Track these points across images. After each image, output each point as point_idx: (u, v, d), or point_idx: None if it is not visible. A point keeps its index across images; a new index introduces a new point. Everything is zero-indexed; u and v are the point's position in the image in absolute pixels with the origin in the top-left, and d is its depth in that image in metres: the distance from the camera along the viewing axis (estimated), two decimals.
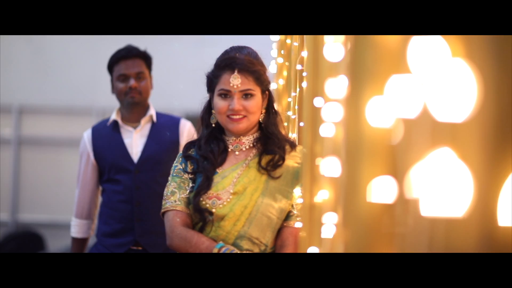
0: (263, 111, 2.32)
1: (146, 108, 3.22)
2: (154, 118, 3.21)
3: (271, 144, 2.28)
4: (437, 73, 0.73)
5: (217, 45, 6.41)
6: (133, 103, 3.17)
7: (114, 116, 3.22)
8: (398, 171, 0.84)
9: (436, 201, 0.73)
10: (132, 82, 3.15)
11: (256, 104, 2.27)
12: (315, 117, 1.70)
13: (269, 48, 4.20)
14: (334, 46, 1.26)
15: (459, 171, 0.72)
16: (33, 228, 6.34)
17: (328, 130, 1.46)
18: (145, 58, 3.23)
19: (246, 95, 2.26)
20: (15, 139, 6.76)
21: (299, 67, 2.25)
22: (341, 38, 1.24)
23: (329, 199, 1.57)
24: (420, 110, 0.75)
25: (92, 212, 3.30)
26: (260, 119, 2.32)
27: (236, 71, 2.26)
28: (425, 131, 0.73)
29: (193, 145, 2.36)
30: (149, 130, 3.20)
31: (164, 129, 3.19)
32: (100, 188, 3.31)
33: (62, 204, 6.63)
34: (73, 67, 6.74)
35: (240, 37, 6.18)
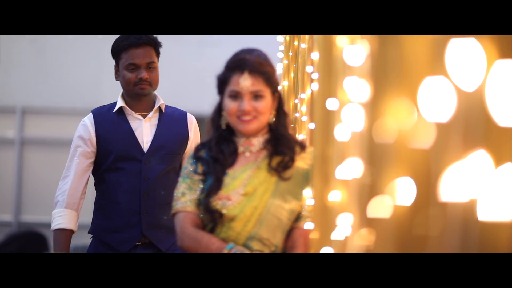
0: (273, 112, 2.33)
1: (153, 98, 3.08)
2: (163, 109, 3.08)
3: (281, 145, 2.29)
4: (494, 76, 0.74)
5: (218, 45, 6.42)
6: (142, 95, 3.02)
7: (120, 102, 3.04)
8: (431, 174, 0.85)
9: (487, 205, 0.74)
10: (143, 73, 2.98)
11: (266, 105, 2.28)
12: (327, 119, 1.71)
13: (275, 49, 4.21)
14: (354, 48, 1.26)
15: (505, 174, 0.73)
16: (36, 227, 6.34)
17: (344, 132, 1.46)
18: (155, 46, 3.06)
19: (256, 96, 2.27)
20: (18, 140, 6.77)
21: (309, 68, 2.26)
22: (361, 40, 1.25)
23: (343, 200, 1.58)
24: (452, 113, 0.76)
25: (81, 205, 3.06)
26: (270, 121, 2.33)
27: (246, 72, 2.27)
28: (458, 134, 0.74)
29: (203, 146, 2.37)
30: (157, 120, 3.05)
31: (173, 120, 3.06)
32: (94, 179, 3.10)
33: None
34: (76, 68, 6.74)
35: (243, 38, 6.20)
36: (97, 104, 6.50)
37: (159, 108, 3.05)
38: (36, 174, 6.76)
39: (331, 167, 1.67)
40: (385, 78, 1.06)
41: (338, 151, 1.55)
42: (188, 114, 3.12)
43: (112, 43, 3.07)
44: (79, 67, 6.75)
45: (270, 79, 2.29)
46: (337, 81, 1.61)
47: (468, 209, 0.76)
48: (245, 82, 2.26)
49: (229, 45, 6.61)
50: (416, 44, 0.96)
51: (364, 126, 1.18)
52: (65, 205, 3.00)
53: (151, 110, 3.04)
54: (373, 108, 1.12)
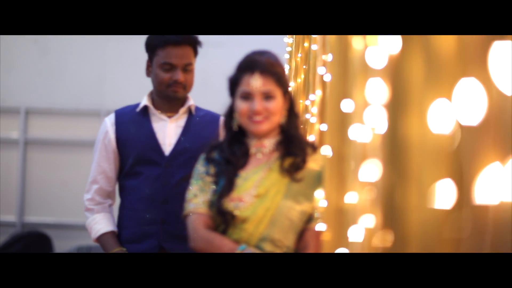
0: (284, 113, 2.33)
1: (184, 99, 2.82)
2: (193, 110, 2.81)
3: (292, 146, 2.30)
4: None
5: (221, 46, 6.41)
6: (175, 98, 2.76)
7: (145, 101, 2.78)
8: (463, 177, 0.85)
9: None
10: (179, 75, 2.70)
11: (277, 106, 2.29)
12: (342, 120, 1.70)
13: (281, 50, 4.20)
14: (375, 49, 1.26)
15: None
16: (40, 228, 6.35)
17: (363, 133, 1.46)
18: (195, 46, 2.77)
19: (267, 96, 2.28)
20: (22, 141, 6.77)
21: (322, 70, 2.26)
22: (381, 40, 1.24)
23: (360, 202, 1.58)
24: (484, 116, 0.76)
25: (113, 202, 2.86)
26: (281, 122, 2.33)
27: (256, 73, 2.28)
28: (490, 137, 0.74)
29: (215, 148, 2.37)
30: (185, 121, 2.79)
31: (203, 123, 2.80)
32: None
33: (69, 206, 6.63)
34: (79, 69, 6.74)
35: (247, 39, 6.16)
36: (101, 105, 6.55)
37: (189, 109, 2.81)
38: (40, 175, 6.76)
39: (347, 168, 1.67)
40: (412, 79, 1.06)
41: (356, 152, 1.54)
42: (221, 117, 2.71)
43: (147, 37, 2.80)
44: (83, 68, 6.75)
45: (281, 80, 2.30)
46: (354, 82, 1.61)
47: (499, 212, 0.77)
48: (255, 82, 2.27)
49: (232, 46, 6.64)
50: (445, 45, 0.96)
51: (386, 128, 1.18)
52: (96, 211, 2.80)
53: (179, 111, 2.80)
54: (398, 109, 1.11)
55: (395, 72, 1.14)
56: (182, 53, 2.70)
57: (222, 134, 2.64)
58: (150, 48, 2.74)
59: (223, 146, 2.34)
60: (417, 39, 1.02)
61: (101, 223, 2.78)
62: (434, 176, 0.92)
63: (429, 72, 0.96)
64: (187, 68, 2.73)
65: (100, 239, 2.77)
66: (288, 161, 2.29)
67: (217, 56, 6.45)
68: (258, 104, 2.27)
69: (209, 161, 2.35)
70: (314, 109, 2.59)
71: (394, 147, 1.12)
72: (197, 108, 2.83)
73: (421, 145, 0.98)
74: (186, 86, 2.75)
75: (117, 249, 2.74)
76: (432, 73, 0.95)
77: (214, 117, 2.82)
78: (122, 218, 2.81)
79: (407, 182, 1.06)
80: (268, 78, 2.28)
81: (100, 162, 2.79)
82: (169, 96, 2.74)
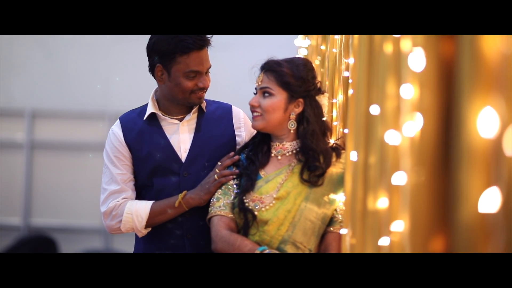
0: (292, 117, 2.33)
1: None
2: (204, 107, 2.55)
3: (310, 159, 2.30)
4: None
5: (229, 49, 6.42)
6: (198, 104, 2.52)
7: (151, 108, 2.51)
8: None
9: None
10: (205, 81, 2.46)
11: (271, 104, 2.32)
12: (369, 124, 1.70)
13: (291, 54, 4.20)
14: (417, 53, 1.25)
15: None
16: (45, 232, 6.34)
17: (393, 137, 1.45)
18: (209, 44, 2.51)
19: (265, 93, 2.33)
20: (28, 143, 6.76)
21: (346, 74, 2.26)
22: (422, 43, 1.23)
23: (389, 206, 1.57)
24: None
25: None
26: (289, 127, 2.34)
27: (261, 71, 2.37)
28: None
29: (243, 149, 2.42)
30: (196, 122, 2.54)
31: (215, 119, 2.55)
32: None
33: (75, 209, 6.63)
34: (85, 71, 6.74)
35: (255, 42, 6.09)
36: (106, 107, 6.54)
37: (199, 107, 2.54)
38: (46, 178, 6.76)
39: (373, 172, 1.66)
40: (450, 82, 1.06)
41: (385, 157, 1.54)
42: (233, 108, 2.59)
43: (155, 41, 2.50)
44: (88, 70, 6.75)
45: (284, 81, 2.31)
46: (382, 86, 1.61)
47: None
48: (258, 78, 2.37)
49: (240, 48, 6.63)
50: (490, 45, 0.95)
51: (424, 132, 1.17)
52: (128, 207, 2.51)
53: (189, 112, 2.53)
54: (434, 113, 1.11)
55: (431, 75, 1.13)
56: (205, 57, 2.46)
57: (238, 126, 2.54)
58: (165, 55, 2.45)
59: (249, 147, 2.40)
60: (466, 41, 1.01)
61: (140, 204, 2.51)
62: (482, 182, 0.92)
63: (479, 76, 0.95)
64: (208, 70, 2.50)
65: (154, 206, 2.50)
66: (306, 174, 2.31)
67: (225, 60, 6.45)
68: (253, 99, 2.35)
69: (233, 164, 2.39)
70: (335, 113, 2.59)
71: (437, 151, 1.12)
72: (208, 103, 2.58)
73: (468, 151, 0.97)
74: (207, 89, 2.51)
75: (181, 195, 2.47)
76: (481, 77, 0.94)
77: (225, 109, 2.58)
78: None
79: (453, 187, 1.06)
80: (269, 76, 2.34)
81: (119, 170, 2.53)
82: (193, 103, 2.50)
